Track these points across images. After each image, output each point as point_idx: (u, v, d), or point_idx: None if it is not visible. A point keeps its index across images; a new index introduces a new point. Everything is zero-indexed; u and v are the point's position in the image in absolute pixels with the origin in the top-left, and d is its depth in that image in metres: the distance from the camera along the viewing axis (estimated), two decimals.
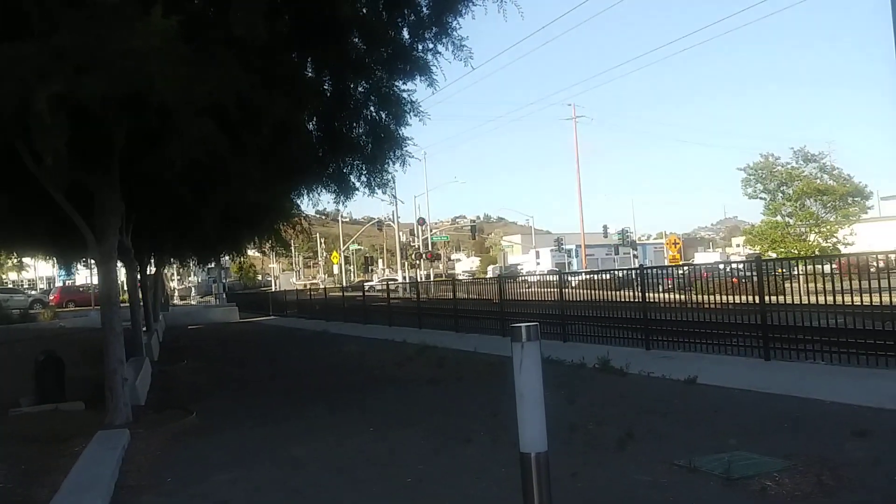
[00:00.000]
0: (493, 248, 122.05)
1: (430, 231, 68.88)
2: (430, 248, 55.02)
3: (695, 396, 8.80)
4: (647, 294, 13.28)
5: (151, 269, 31.57)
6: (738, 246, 53.58)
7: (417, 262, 54.78)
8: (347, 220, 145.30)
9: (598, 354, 11.68)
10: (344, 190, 11.72)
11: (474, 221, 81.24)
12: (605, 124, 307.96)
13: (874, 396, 7.85)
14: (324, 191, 12.14)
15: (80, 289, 58.21)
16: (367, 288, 42.83)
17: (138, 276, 18.23)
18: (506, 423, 8.01)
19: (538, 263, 77.24)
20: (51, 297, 55.37)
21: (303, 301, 35.09)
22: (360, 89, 11.08)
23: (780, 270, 11.79)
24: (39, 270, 78.20)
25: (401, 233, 63.97)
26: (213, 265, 41.34)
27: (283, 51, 9.46)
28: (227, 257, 34.16)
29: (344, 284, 65.03)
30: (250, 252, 45.93)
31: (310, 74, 10.69)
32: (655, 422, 7.56)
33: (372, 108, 11.05)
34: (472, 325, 18.93)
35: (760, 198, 37.36)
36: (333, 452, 7.26)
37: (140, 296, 24.92)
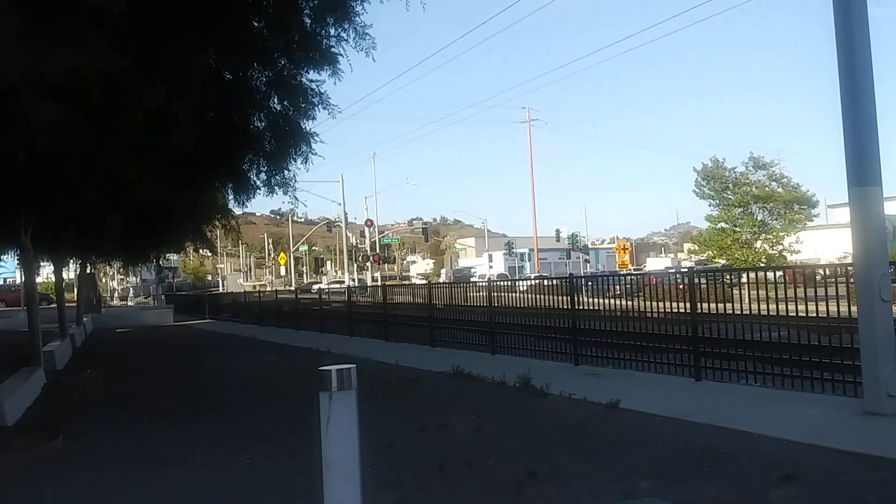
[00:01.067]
0: (448, 250, 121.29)
1: (380, 233, 67.72)
2: (377, 250, 53.96)
3: (614, 424, 7.94)
4: (576, 305, 12.45)
5: (74, 270, 30.08)
6: (689, 252, 53.58)
7: (365, 264, 53.61)
8: (302, 220, 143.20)
9: (522, 371, 10.82)
10: (242, 189, 10.67)
11: (426, 224, 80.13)
12: (559, 128, 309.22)
13: (806, 429, 7.06)
14: (221, 189, 11.01)
15: (14, 287, 55.91)
16: (314, 290, 41.51)
17: (38, 278, 16.85)
18: (400, 458, 7.13)
19: (491, 267, 76.74)
20: None
21: (238, 304, 33.81)
22: (262, 78, 10.08)
23: (728, 277, 11.01)
24: None
25: (350, 234, 62.70)
26: (150, 265, 39.72)
27: (165, 30, 8.39)
28: (161, 257, 32.67)
29: (293, 287, 63.51)
30: (183, 252, 44.29)
31: (210, 61, 9.66)
32: (564, 457, 6.68)
33: (275, 100, 10.05)
34: (402, 333, 17.97)
35: (710, 203, 36.99)
36: (188, 495, 6.25)
37: (39, 299, 23.62)
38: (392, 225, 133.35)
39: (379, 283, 45.21)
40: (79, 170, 8.69)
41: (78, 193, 10.70)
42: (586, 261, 69.20)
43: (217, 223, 25.42)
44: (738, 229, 35.15)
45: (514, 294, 15.01)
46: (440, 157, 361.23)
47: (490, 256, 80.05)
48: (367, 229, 56.81)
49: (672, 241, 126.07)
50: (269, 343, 20.69)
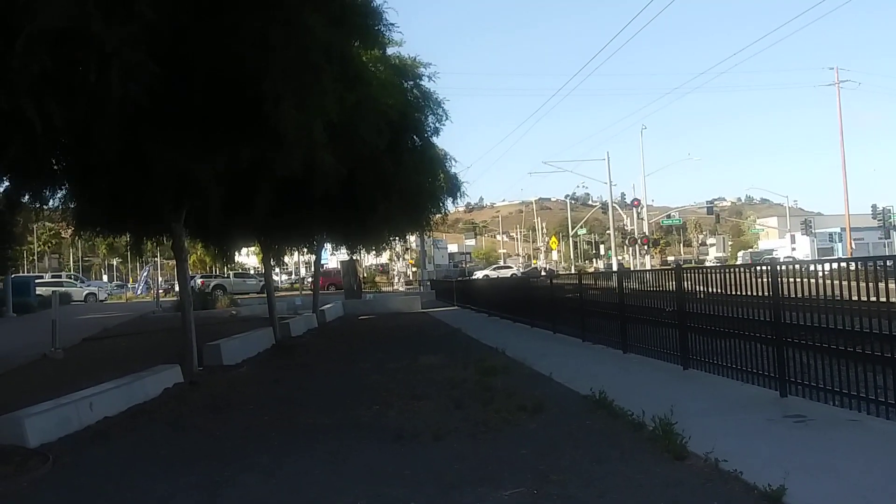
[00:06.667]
0: (748, 232, 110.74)
1: (664, 215, 62.45)
2: (647, 233, 49.12)
3: None
4: (779, 294, 8.10)
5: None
6: None
7: (632, 247, 49.17)
8: (597, 203, 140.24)
9: (703, 399, 7.13)
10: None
11: (715, 204, 72.65)
12: (878, 88, 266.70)
13: None
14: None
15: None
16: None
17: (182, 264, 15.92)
18: None
19: (794, 248, 68.60)
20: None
21: (479, 292, 31.69)
22: None
23: None
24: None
25: (625, 215, 58.51)
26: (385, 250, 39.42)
27: None
28: (395, 240, 31.85)
29: (568, 271, 60.94)
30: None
31: None
32: None
33: None
34: (599, 331, 14.34)
35: None
36: None
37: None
38: (686, 206, 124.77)
39: (648, 268, 40.78)
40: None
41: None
42: None
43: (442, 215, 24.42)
44: None
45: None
46: (733, 130, 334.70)
47: (792, 237, 71.42)
48: (635, 210, 52.18)
49: None
50: (465, 337, 18.24)
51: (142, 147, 8.27)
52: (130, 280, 77.64)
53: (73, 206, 14.59)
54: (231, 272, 62.55)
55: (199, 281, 53.23)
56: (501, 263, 76.95)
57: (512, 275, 56.75)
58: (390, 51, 18.09)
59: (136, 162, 9.21)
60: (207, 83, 6.80)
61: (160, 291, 47.03)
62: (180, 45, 6.44)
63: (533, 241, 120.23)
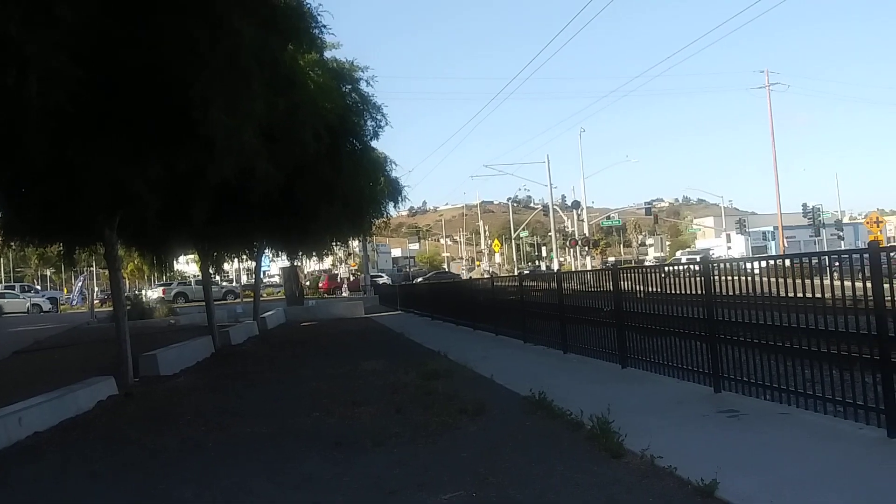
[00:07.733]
0: (685, 232, 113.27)
1: (605, 216, 63.37)
2: (589, 234, 49.72)
3: None
4: (714, 305, 8.29)
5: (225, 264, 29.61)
6: None
7: (573, 248, 49.76)
8: (539, 206, 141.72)
9: (640, 397, 7.24)
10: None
11: (653, 205, 74.03)
12: (806, 91, 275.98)
13: None
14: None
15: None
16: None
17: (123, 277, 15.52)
18: None
19: (729, 247, 70.27)
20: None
21: (420, 296, 31.69)
22: None
23: None
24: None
25: (566, 217, 59.13)
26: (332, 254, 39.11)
27: None
28: (337, 245, 31.47)
29: (514, 273, 61.26)
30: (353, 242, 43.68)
31: None
32: None
33: None
34: (540, 332, 14.47)
35: None
36: None
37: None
38: (624, 208, 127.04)
39: (588, 269, 41.32)
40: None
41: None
42: (840, 237, 59.82)
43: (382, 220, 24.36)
44: None
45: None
46: (670, 132, 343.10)
47: (728, 237, 73.33)
48: (575, 212, 52.78)
49: None
50: (408, 342, 18.20)
51: (69, 154, 8.02)
52: (65, 291, 75.34)
53: None
54: (193, 279, 61.63)
55: (160, 290, 52.74)
56: (377, 271, 77.75)
57: (383, 283, 57.92)
58: (328, 54, 18.01)
59: (65, 170, 8.93)
60: (135, 89, 6.64)
61: (96, 301, 45.75)
62: (106, 50, 6.26)
63: (476, 244, 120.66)
